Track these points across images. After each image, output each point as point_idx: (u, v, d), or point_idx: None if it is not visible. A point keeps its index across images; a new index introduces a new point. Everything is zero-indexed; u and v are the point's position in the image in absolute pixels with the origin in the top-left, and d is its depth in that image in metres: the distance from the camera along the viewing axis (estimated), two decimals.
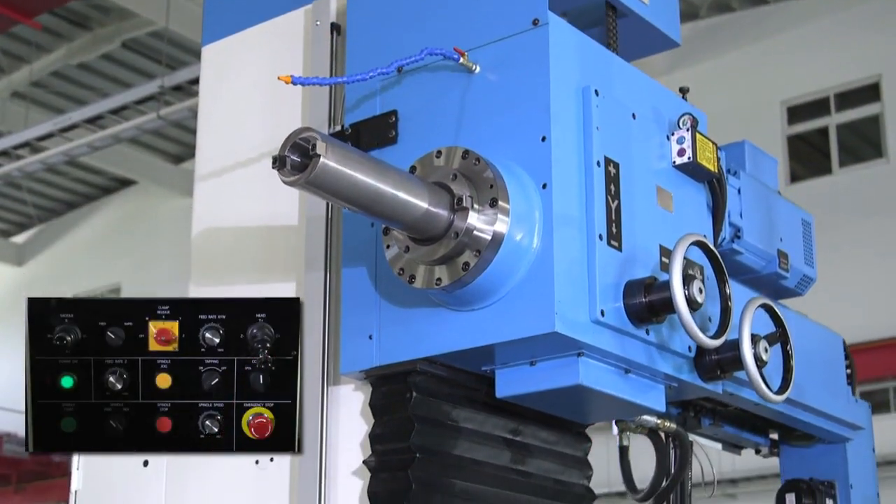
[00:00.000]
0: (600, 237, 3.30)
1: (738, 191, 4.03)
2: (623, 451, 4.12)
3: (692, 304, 3.27)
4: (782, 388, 3.52)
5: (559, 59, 3.36)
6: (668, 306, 3.28)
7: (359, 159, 3.03)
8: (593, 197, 3.32)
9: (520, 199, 3.21)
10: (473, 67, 3.44)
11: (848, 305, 20.13)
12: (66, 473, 4.01)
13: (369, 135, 3.59)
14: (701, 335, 3.26)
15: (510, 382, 3.39)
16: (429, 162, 3.30)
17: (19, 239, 33.81)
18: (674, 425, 3.92)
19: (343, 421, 3.60)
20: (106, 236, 31.76)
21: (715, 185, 3.73)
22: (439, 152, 3.30)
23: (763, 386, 3.43)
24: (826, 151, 21.29)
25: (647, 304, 3.31)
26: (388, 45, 3.63)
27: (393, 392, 3.45)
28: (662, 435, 3.99)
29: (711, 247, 3.39)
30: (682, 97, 3.86)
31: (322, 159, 2.89)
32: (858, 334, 21.06)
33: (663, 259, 3.50)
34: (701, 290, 3.30)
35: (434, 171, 3.26)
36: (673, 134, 3.65)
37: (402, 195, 3.10)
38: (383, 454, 3.43)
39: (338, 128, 3.75)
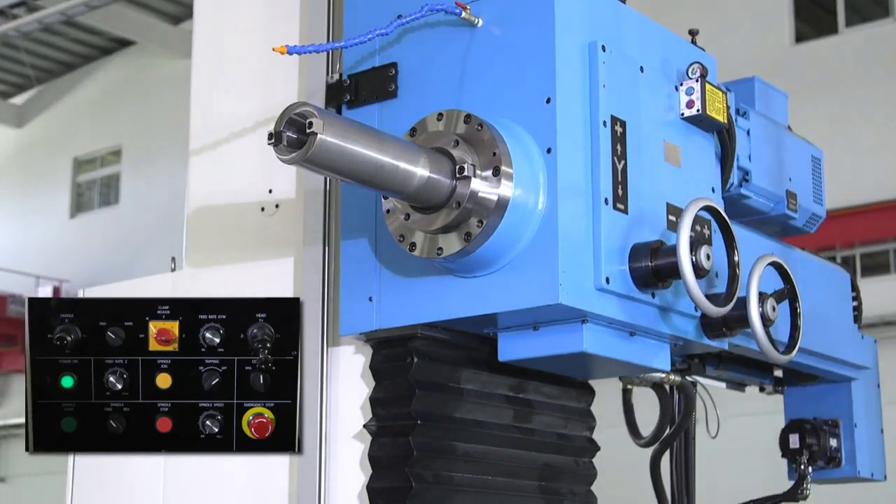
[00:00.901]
0: (606, 201, 3.21)
1: (748, 132, 3.93)
2: (626, 395, 4.08)
3: (699, 271, 3.19)
4: (789, 348, 3.46)
5: (565, 15, 3.23)
6: (674, 272, 3.20)
7: (357, 132, 2.93)
8: (599, 160, 3.22)
9: (523, 166, 3.12)
10: (476, 21, 3.32)
11: (853, 167, 20.06)
12: None
13: (368, 87, 3.48)
14: (707, 303, 3.19)
15: (513, 347, 3.34)
16: (430, 124, 3.20)
17: (18, 100, 33.58)
18: (678, 378, 3.88)
19: (343, 382, 3.56)
20: (105, 98, 31.55)
21: (724, 136, 3.62)
22: (440, 115, 3.19)
23: (770, 346, 3.37)
24: (833, 10, 20.95)
25: (652, 268, 3.24)
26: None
27: (393, 356, 3.40)
28: (667, 387, 3.95)
29: (721, 211, 3.30)
30: (692, 40, 3.74)
31: (319, 136, 2.79)
32: (863, 195, 21.08)
33: (670, 217, 3.42)
34: (709, 257, 3.23)
35: (435, 134, 3.16)
36: (682, 84, 3.53)
37: (402, 165, 3.00)
38: (384, 419, 3.39)
39: (335, 76, 3.63)
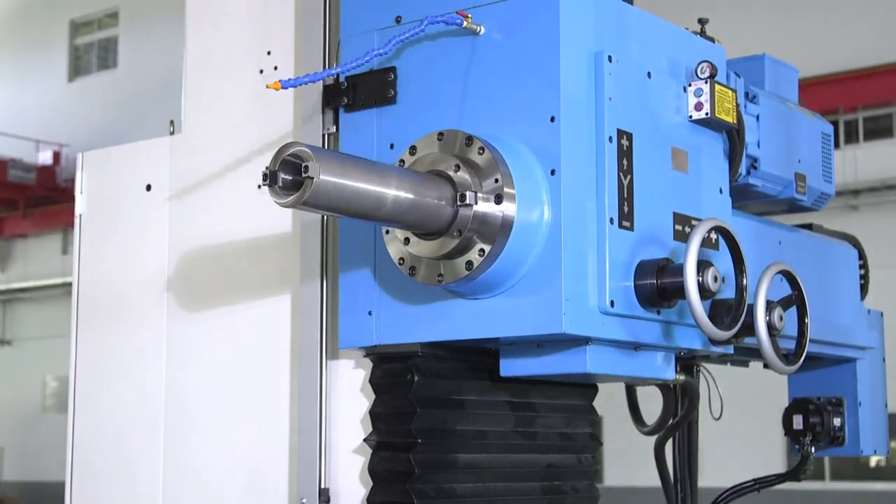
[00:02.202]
0: (611, 221, 3.13)
1: (757, 118, 3.82)
2: (630, 389, 4.04)
3: (705, 293, 3.12)
4: (795, 357, 3.40)
5: (570, 26, 3.11)
6: (680, 292, 3.13)
7: (354, 168, 2.83)
8: (604, 178, 3.13)
9: (526, 190, 3.03)
10: (478, 29, 3.20)
11: (859, 29, 19.81)
12: (71, 199, 4.02)
13: (367, 91, 3.37)
14: (713, 328, 3.12)
15: (515, 364, 3.29)
16: (430, 144, 3.10)
17: None
18: (682, 377, 3.83)
19: (342, 394, 3.51)
20: None
21: (733, 134, 3.52)
22: (441, 135, 3.09)
23: (775, 358, 3.30)
24: None
25: (658, 286, 3.17)
26: None
27: (393, 371, 3.34)
28: (671, 384, 3.91)
29: (730, 231, 3.21)
30: (702, 29, 3.61)
31: (315, 180, 2.70)
32: (868, 58, 20.88)
33: (677, 227, 3.34)
34: (716, 279, 3.15)
35: (435, 156, 3.06)
36: (690, 85, 3.42)
37: (402, 195, 2.91)
38: (384, 433, 3.35)
39: (333, 71, 3.51)
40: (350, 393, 3.51)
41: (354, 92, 3.39)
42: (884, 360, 4.40)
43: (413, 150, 3.11)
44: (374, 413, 3.37)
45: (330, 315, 3.49)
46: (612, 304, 3.10)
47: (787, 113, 3.97)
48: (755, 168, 3.81)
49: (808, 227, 4.20)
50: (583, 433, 3.74)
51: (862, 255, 4.45)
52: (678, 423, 3.90)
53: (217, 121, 3.96)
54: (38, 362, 31.95)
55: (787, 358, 3.37)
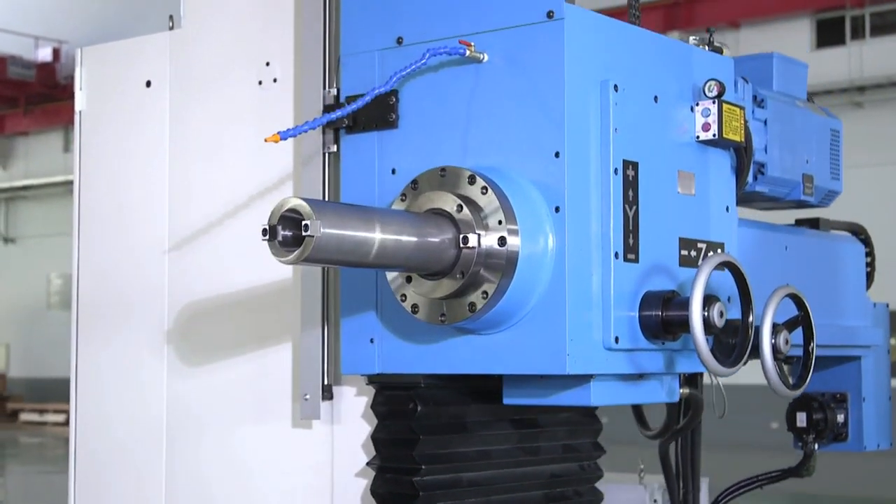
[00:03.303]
0: (616, 255, 3.08)
1: (764, 122, 3.75)
2: None
3: (710, 328, 3.09)
4: (800, 380, 3.37)
5: (575, 57, 3.04)
6: (684, 325, 3.10)
7: (354, 219, 2.79)
8: (609, 212, 3.08)
9: (530, 229, 2.99)
10: (481, 57, 3.13)
11: None
12: (72, 96, 4.05)
13: (367, 114, 3.29)
14: (716, 364, 3.09)
15: (519, 393, 3.26)
16: (432, 180, 3.05)
17: None
18: (686, 390, 3.81)
19: (345, 417, 3.51)
20: None
21: (741, 150, 3.46)
22: (443, 171, 3.04)
23: (779, 382, 3.27)
24: None
25: (663, 319, 3.13)
26: (387, 17, 3.28)
27: (396, 398, 3.32)
28: None
29: (739, 266, 3.16)
30: (710, 39, 3.53)
31: (316, 237, 2.66)
32: None
33: (682, 252, 3.29)
34: (722, 314, 3.12)
35: (437, 193, 3.01)
36: (697, 104, 3.35)
37: (404, 239, 2.87)
38: (387, 458, 3.34)
39: (333, 91, 3.45)
40: (353, 417, 3.49)
41: (355, 114, 3.32)
42: (889, 352, 4.38)
43: (415, 184, 3.06)
44: (376, 438, 3.36)
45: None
46: (616, 339, 3.07)
47: (796, 113, 3.91)
48: (762, 174, 3.76)
49: (815, 221, 4.14)
50: (586, 443, 3.74)
51: (868, 244, 4.40)
52: (682, 430, 3.89)
53: (216, 15, 3.91)
54: (41, 260, 32.05)
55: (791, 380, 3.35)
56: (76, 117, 4.19)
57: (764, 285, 3.61)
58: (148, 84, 4.01)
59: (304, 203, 2.67)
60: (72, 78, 4.20)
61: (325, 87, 3.47)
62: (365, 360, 3.29)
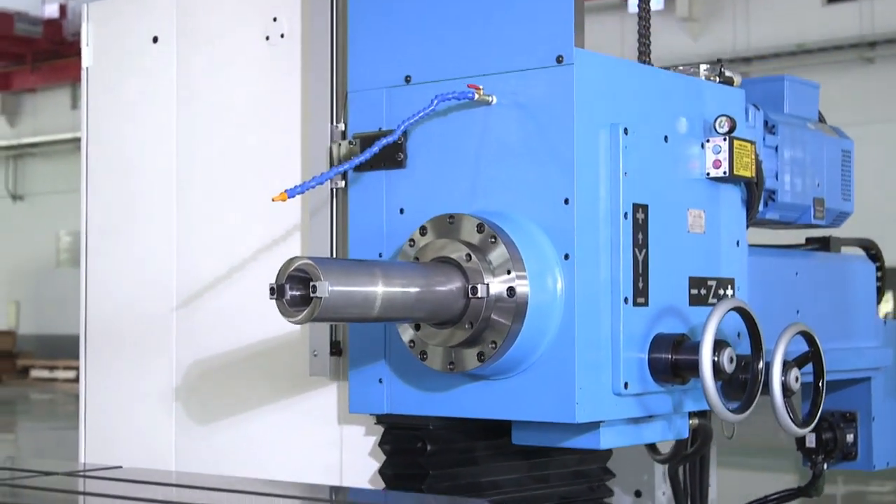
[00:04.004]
0: (626, 300, 3.06)
1: (776, 149, 3.72)
2: None
3: (719, 374, 3.08)
4: (810, 417, 3.36)
5: (584, 102, 3.01)
6: (694, 369, 3.09)
7: (361, 276, 2.78)
8: (619, 256, 3.05)
9: (539, 277, 2.97)
10: (490, 100, 3.09)
11: None
12: (79, 52, 4.06)
13: (376, 153, 3.26)
14: (723, 409, 3.08)
15: (527, 437, 3.25)
16: (440, 226, 3.03)
17: None
18: (696, 421, 3.79)
19: (352, 455, 3.50)
20: None
21: (753, 186, 3.43)
22: (451, 218, 3.02)
23: (788, 420, 3.27)
24: None
25: (672, 362, 3.12)
26: (395, 54, 3.25)
27: (405, 437, 3.32)
28: None
29: (750, 311, 3.14)
30: (720, 71, 3.49)
31: (325, 298, 2.64)
32: None
33: (692, 291, 3.27)
34: (732, 360, 3.11)
35: (446, 241, 2.99)
36: (708, 141, 3.31)
37: (412, 291, 2.86)
38: (396, 489, 3.34)
39: (341, 126, 3.42)
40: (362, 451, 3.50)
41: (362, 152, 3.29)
42: None
43: (423, 230, 3.05)
44: (384, 474, 3.36)
45: None
46: (626, 385, 3.06)
47: (807, 136, 3.87)
48: (773, 200, 3.73)
49: (826, 241, 4.11)
50: (595, 468, 3.73)
51: (879, 258, 4.38)
52: (691, 456, 3.88)
53: None
54: (51, 217, 32.07)
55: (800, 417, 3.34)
56: (83, 74, 4.18)
57: (775, 312, 3.61)
58: (155, 40, 3.99)
59: (310, 262, 2.66)
60: (79, 34, 4.18)
61: (331, 43, 3.47)
62: (374, 401, 3.28)
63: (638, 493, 4.21)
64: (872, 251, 4.36)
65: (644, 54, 3.34)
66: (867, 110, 22.42)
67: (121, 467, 3.54)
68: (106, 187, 4.13)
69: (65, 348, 27.94)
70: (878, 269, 4.37)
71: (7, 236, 33.31)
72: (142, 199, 4.02)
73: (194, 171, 3.88)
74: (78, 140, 26.89)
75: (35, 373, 30.50)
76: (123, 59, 4.09)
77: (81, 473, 3.49)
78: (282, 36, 3.68)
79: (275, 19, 3.67)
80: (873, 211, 14.62)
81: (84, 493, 3.28)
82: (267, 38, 3.70)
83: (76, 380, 4.03)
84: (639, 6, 3.38)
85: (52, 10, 32.15)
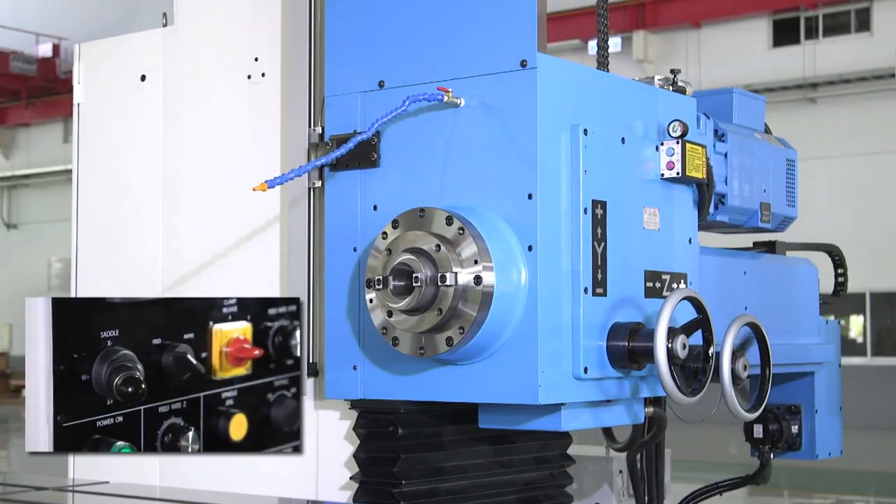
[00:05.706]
0: (585, 290, 3.08)
1: (725, 155, 3.75)
2: None
3: (673, 360, 3.09)
4: (758, 403, 3.38)
5: (547, 104, 3.04)
6: (649, 355, 3.10)
7: None
8: (579, 249, 3.07)
9: (505, 266, 2.98)
10: (459, 102, 3.11)
11: None
12: (71, 89, 4.04)
13: (350, 153, 3.26)
14: (679, 394, 3.10)
15: (493, 419, 3.25)
16: (412, 219, 3.04)
17: None
18: (651, 409, 3.80)
19: (329, 436, 3.49)
20: None
21: (703, 187, 3.45)
22: (422, 211, 3.02)
23: (738, 407, 3.29)
24: None
25: (629, 349, 3.13)
26: (369, 60, 3.27)
27: (377, 422, 3.32)
28: None
29: (702, 302, 3.16)
30: (674, 80, 3.52)
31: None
32: None
33: (648, 284, 3.29)
34: (685, 346, 3.12)
35: (416, 234, 3.00)
36: (662, 144, 3.34)
37: None
38: (370, 474, 3.34)
39: (318, 129, 3.43)
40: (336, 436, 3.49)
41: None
42: (840, 366, 4.39)
43: (395, 223, 3.06)
44: (358, 458, 3.35)
45: None
46: (585, 370, 3.07)
47: (754, 145, 3.90)
48: (723, 203, 3.76)
49: (772, 244, 4.14)
50: (556, 454, 3.74)
51: (842, 264, 4.43)
52: (647, 443, 3.89)
53: (207, 13, 3.89)
54: (42, 245, 31.87)
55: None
56: (75, 109, 4.19)
57: (725, 307, 3.64)
58: (143, 78, 4.00)
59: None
60: (71, 72, 4.19)
61: (310, 84, 3.48)
62: (348, 386, 3.28)
63: None
64: (836, 256, 4.41)
65: (602, 65, 3.36)
66: (810, 147, 22.57)
67: (108, 482, 3.55)
68: (95, 217, 4.12)
69: None
70: (840, 274, 4.42)
71: (2, 263, 33.10)
72: (129, 228, 4.02)
73: (179, 202, 3.88)
74: (69, 172, 26.74)
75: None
76: (113, 95, 4.10)
77: (71, 489, 3.52)
78: (263, 75, 3.68)
79: (256, 59, 3.68)
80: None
81: None
82: (249, 76, 3.69)
83: None
84: (597, 10, 3.41)
85: (45, 50, 32.07)
